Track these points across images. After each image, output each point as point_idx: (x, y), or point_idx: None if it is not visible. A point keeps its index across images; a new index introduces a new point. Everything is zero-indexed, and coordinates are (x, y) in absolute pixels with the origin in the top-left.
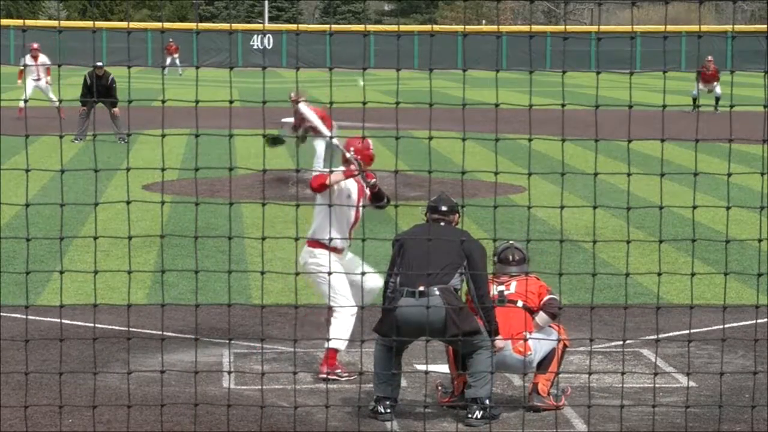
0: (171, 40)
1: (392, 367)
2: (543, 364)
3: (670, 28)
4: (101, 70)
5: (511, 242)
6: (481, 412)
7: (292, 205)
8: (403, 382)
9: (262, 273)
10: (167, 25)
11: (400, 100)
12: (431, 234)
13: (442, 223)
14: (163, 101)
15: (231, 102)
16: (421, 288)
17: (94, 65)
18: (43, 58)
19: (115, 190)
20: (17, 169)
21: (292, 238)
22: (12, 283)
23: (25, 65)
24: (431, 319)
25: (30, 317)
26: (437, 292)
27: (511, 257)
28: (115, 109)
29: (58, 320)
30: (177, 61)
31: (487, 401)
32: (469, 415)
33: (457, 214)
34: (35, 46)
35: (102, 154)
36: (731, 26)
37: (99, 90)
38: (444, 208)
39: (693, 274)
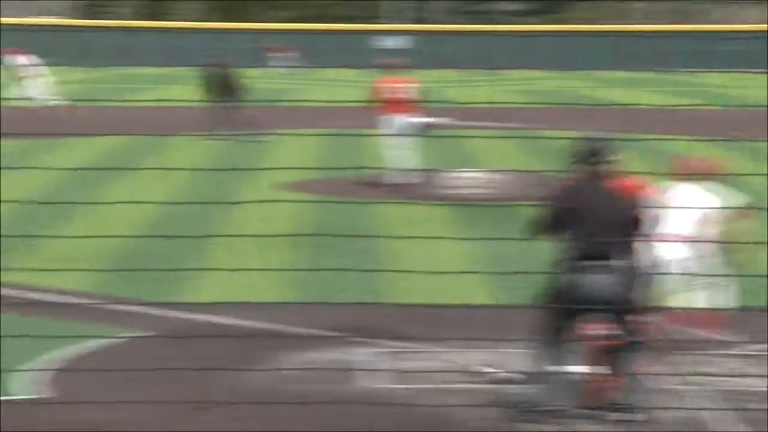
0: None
1: (548, 368)
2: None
3: None
4: (224, 65)
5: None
6: (640, 414)
7: (438, 204)
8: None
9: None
10: (297, 25)
11: (534, 101)
12: (600, 194)
13: (605, 177)
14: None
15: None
16: (608, 261)
17: (220, 61)
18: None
19: (248, 190)
20: (158, 168)
21: (437, 238)
22: (153, 281)
23: None
24: (621, 297)
25: (174, 313)
26: (624, 264)
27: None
28: (241, 105)
29: (200, 317)
30: (284, 62)
31: (644, 401)
32: (627, 418)
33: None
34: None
35: (235, 152)
36: None
37: (222, 84)
38: (606, 152)
39: None
